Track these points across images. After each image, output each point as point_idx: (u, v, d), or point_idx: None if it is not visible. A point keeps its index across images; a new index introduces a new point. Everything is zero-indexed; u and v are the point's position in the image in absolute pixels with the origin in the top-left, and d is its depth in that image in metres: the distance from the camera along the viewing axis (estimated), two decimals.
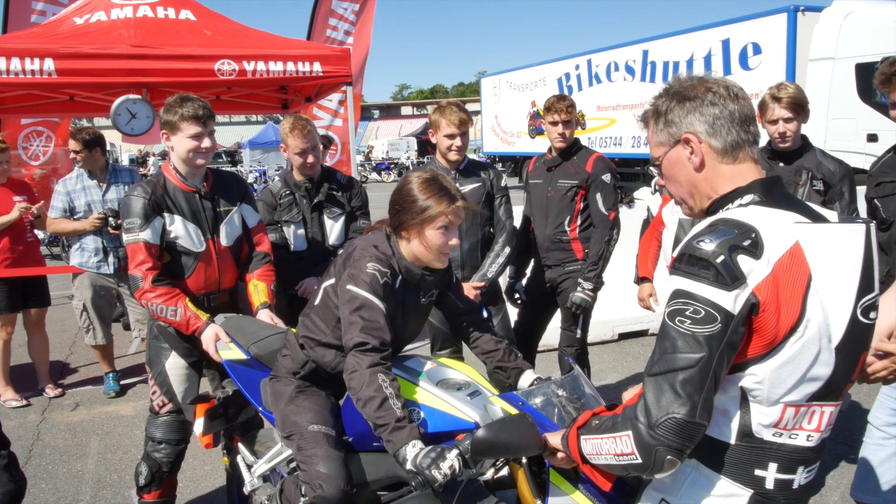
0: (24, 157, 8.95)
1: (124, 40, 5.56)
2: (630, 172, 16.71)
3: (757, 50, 12.85)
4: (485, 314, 3.79)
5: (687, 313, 1.40)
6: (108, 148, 6.31)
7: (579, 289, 4.11)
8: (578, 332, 4.29)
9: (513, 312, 4.50)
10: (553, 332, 4.63)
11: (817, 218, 1.51)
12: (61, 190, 5.47)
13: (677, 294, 1.43)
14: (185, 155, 3.14)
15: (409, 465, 1.97)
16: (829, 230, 1.49)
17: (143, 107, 5.59)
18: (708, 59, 14.01)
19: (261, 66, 5.80)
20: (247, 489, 2.87)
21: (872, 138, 11.09)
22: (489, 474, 2.09)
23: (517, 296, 4.54)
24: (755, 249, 1.39)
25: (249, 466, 2.93)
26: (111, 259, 5.51)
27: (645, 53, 15.91)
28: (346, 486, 2.29)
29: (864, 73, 11.12)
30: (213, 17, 6.46)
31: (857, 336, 1.50)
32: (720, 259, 1.38)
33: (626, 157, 16.39)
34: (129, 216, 3.07)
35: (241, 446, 3.04)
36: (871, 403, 2.94)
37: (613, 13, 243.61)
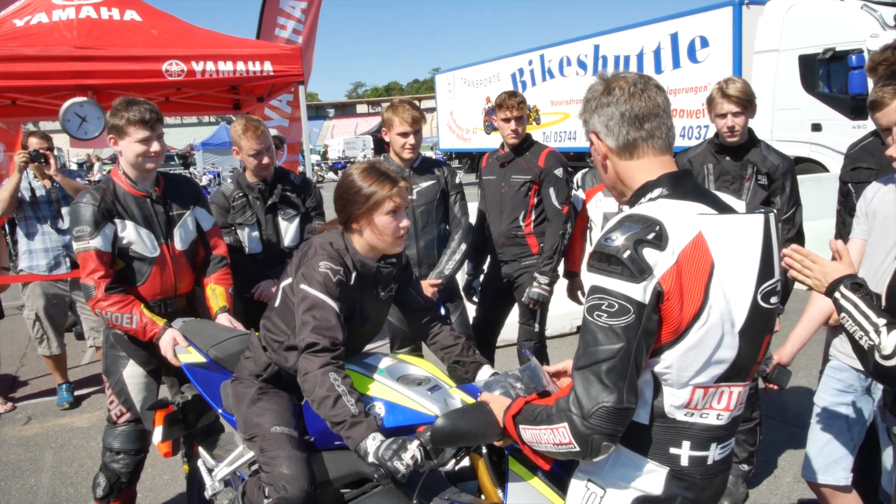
0: None
1: (67, 42, 5.42)
2: (584, 166, 16.89)
3: (704, 43, 13.12)
4: (442, 311, 3.82)
5: (603, 307, 1.48)
6: (56, 153, 6.15)
7: (535, 283, 4.15)
8: (536, 326, 4.33)
9: (471, 309, 4.52)
10: (512, 328, 4.67)
11: (722, 208, 1.61)
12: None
13: (593, 290, 1.51)
14: (133, 160, 3.08)
15: (370, 459, 1.98)
16: (731, 220, 1.58)
17: (91, 109, 5.43)
18: (657, 53, 14.26)
19: (210, 66, 5.70)
20: (208, 493, 2.84)
21: (817, 128, 11.42)
22: (450, 465, 2.11)
23: (474, 293, 4.57)
24: (659, 242, 1.47)
25: (210, 470, 2.90)
26: (63, 258, 5.38)
27: (596, 48, 16.11)
28: (309, 487, 2.28)
29: (807, 64, 11.45)
30: (159, 17, 6.33)
31: (760, 320, 1.60)
32: (627, 254, 1.46)
33: (580, 150, 16.56)
34: (79, 224, 3.00)
35: (201, 450, 3.01)
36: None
37: (565, 8, 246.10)
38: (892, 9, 10.96)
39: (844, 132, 10.37)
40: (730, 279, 1.53)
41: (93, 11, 5.89)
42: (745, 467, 3.65)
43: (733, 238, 1.55)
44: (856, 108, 10.47)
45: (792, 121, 11.69)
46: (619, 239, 1.48)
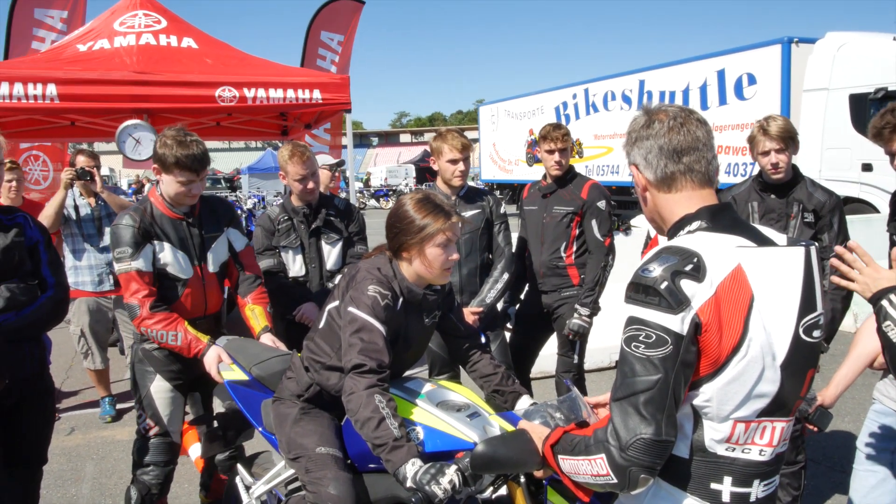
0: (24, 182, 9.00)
1: (127, 67, 5.64)
2: (627, 200, 16.81)
3: (752, 80, 13.00)
4: (483, 340, 3.81)
5: (640, 338, 1.48)
6: (108, 173, 6.35)
7: (576, 315, 4.13)
8: (576, 357, 4.30)
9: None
10: (549, 359, 4.63)
11: (762, 241, 1.59)
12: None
13: (630, 321, 1.51)
14: (172, 195, 3.16)
15: (409, 483, 1.99)
16: (771, 253, 1.56)
17: (145, 132, 5.62)
18: (704, 89, 14.17)
19: (261, 93, 5.88)
20: None
21: (867, 168, 11.19)
22: (488, 493, 2.09)
23: (509, 320, 4.56)
24: (697, 273, 1.47)
25: (248, 488, 2.92)
26: (106, 276, 5.54)
27: (641, 83, 16.08)
28: None
29: (858, 103, 11.25)
30: (214, 45, 6.56)
31: (802, 354, 1.57)
32: (664, 285, 1.46)
33: (623, 185, 16.46)
34: (119, 245, 3.08)
35: (239, 467, 3.04)
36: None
37: (611, 43, 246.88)
38: None
39: None
40: (770, 312, 1.51)
41: (152, 38, 6.14)
42: None
43: (774, 270, 1.54)
44: None
45: (842, 160, 11.47)
46: (656, 270, 1.48)
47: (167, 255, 3.16)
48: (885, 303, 1.86)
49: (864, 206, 10.94)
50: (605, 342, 6.34)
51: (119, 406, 5.87)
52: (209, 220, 3.35)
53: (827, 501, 3.99)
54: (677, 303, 1.45)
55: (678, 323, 1.45)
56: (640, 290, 1.50)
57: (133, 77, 5.53)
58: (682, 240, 1.57)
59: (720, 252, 1.51)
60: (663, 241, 1.75)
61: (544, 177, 4.39)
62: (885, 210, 9.74)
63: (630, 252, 5.09)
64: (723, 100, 13.69)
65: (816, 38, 12.16)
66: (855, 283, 1.94)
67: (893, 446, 2.65)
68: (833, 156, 11.56)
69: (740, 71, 13.24)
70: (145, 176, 40.54)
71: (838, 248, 1.93)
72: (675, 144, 1.62)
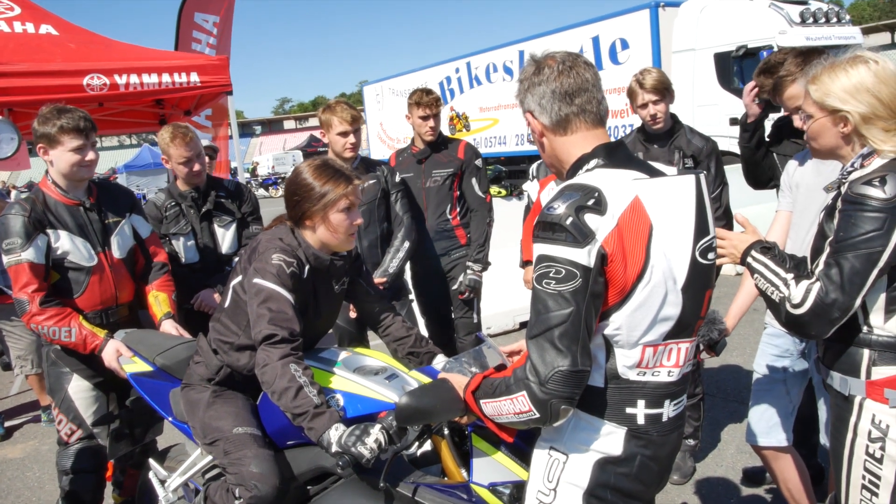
0: None
1: None
2: (516, 170, 17.13)
3: (625, 45, 13.47)
4: None
5: (551, 275, 1.53)
6: None
7: (469, 271, 4.28)
8: (475, 316, 4.40)
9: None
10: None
11: (654, 173, 1.69)
12: None
13: (540, 259, 1.56)
14: (67, 169, 2.98)
15: (334, 448, 1.96)
16: (664, 183, 1.66)
17: (4, 127, 5.21)
18: None
19: (133, 78, 5.54)
20: None
21: (734, 122, 11.88)
22: (413, 449, 2.10)
23: (410, 294, 4.59)
24: (599, 207, 1.53)
25: (163, 482, 2.80)
26: None
27: (521, 53, 16.33)
28: (280, 484, 2.25)
29: (722, 61, 11.93)
30: (77, 32, 6.13)
31: (699, 276, 1.68)
32: (570, 220, 1.52)
33: (511, 155, 16.80)
34: (9, 236, 2.88)
35: (152, 462, 2.91)
36: None
37: (489, 17, 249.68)
38: (798, 6, 11.56)
39: None
40: (668, 238, 1.60)
41: (5, 26, 5.67)
42: (692, 442, 3.77)
43: (668, 199, 1.63)
44: (770, 101, 10.96)
45: (711, 116, 12.11)
46: (560, 207, 1.53)
47: (65, 242, 2.97)
48: (749, 260, 2.05)
49: (732, 158, 11.63)
50: (508, 306, 6.53)
51: (7, 423, 5.50)
52: (109, 205, 3.19)
53: (724, 430, 4.28)
54: (583, 236, 1.51)
55: (585, 256, 1.51)
56: (546, 227, 1.55)
57: None
58: (582, 177, 1.63)
59: (618, 186, 1.58)
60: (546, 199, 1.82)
61: (412, 143, 4.46)
62: None
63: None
64: (599, 65, 14.09)
65: (681, 2, 12.75)
66: (724, 257, 2.13)
67: (786, 365, 2.87)
68: (703, 112, 12.18)
69: (613, 36, 13.68)
70: (11, 183, 37.76)
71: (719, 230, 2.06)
72: (567, 87, 1.68)
